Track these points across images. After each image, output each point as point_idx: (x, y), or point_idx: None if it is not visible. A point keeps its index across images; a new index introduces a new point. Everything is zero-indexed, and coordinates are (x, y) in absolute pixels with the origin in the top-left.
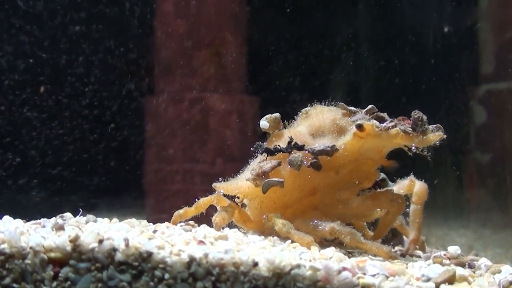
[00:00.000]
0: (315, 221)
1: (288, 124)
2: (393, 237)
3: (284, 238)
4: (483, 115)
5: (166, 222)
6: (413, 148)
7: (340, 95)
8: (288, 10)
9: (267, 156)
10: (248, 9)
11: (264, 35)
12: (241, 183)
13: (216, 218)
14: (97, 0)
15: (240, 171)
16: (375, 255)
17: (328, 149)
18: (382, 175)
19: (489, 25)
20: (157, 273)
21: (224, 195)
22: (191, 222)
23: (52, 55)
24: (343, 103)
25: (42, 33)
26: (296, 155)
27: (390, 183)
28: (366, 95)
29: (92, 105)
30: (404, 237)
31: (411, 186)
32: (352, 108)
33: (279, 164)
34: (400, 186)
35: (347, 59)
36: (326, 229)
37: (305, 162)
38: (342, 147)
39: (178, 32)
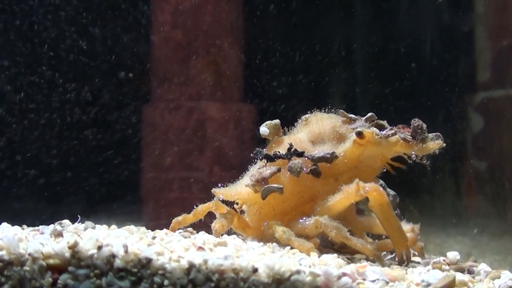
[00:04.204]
0: (304, 218)
1: (288, 130)
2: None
3: (283, 244)
4: (480, 122)
5: (164, 229)
6: (412, 156)
7: (337, 102)
8: (285, 18)
9: (267, 162)
10: (245, 17)
11: (261, 43)
12: (241, 189)
13: (215, 224)
14: (93, 8)
15: (239, 177)
16: (374, 261)
17: (328, 156)
18: (381, 182)
19: (486, 31)
20: (157, 279)
21: (223, 201)
22: (190, 229)
23: (49, 62)
24: (343, 110)
25: (38, 41)
26: (296, 161)
27: (388, 189)
28: (364, 102)
29: (89, 113)
30: None
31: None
32: (352, 115)
33: (279, 170)
34: None
35: (344, 66)
36: (312, 222)
37: (304, 169)
38: (342, 154)
39: (175, 40)
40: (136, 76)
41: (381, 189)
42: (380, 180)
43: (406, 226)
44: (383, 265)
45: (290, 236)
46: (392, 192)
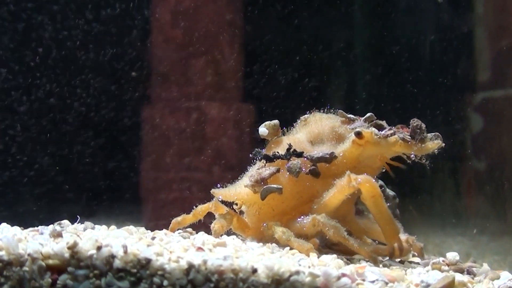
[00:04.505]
0: (301, 217)
1: (287, 131)
2: None
3: (283, 245)
4: (480, 123)
5: (164, 229)
6: (412, 156)
7: (337, 103)
8: (285, 18)
9: (266, 162)
10: (244, 17)
11: (261, 43)
12: (240, 190)
13: (215, 225)
14: (92, 8)
15: (239, 178)
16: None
17: (327, 156)
18: (380, 182)
19: (486, 32)
20: (156, 280)
21: (222, 202)
22: (189, 230)
23: (48, 63)
24: (342, 111)
25: (36, 40)
26: (295, 162)
27: (388, 190)
28: (363, 102)
29: (89, 113)
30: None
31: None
32: (351, 115)
33: (278, 170)
34: None
35: (343, 66)
36: (309, 220)
37: (303, 169)
38: (341, 154)
39: (175, 40)
40: (135, 76)
41: (373, 180)
42: (380, 180)
43: (402, 237)
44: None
45: (289, 236)
46: (391, 193)
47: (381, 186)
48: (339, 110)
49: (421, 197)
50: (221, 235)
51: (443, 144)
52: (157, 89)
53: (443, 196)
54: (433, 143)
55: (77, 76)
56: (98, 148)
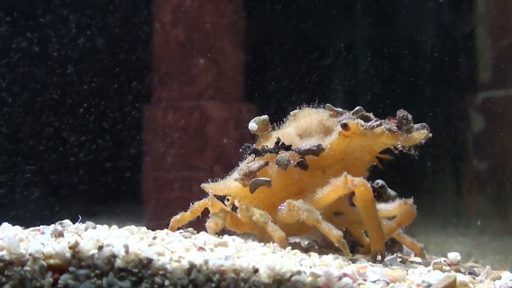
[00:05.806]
0: (281, 205)
1: (277, 126)
2: (392, 244)
3: (260, 227)
4: (481, 123)
5: (165, 229)
6: (399, 146)
7: (338, 102)
8: (286, 17)
9: (255, 156)
10: (245, 16)
11: (262, 42)
12: (229, 183)
13: (209, 223)
14: (93, 8)
15: (230, 173)
16: (374, 262)
17: (314, 148)
18: (381, 182)
19: (487, 31)
20: (157, 279)
21: (217, 197)
22: (191, 229)
23: (49, 62)
24: (329, 104)
25: (37, 40)
26: (283, 155)
27: (389, 189)
28: (364, 101)
29: (90, 113)
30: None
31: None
32: (339, 109)
33: (267, 164)
34: (390, 206)
35: (344, 66)
36: (286, 206)
37: (292, 162)
38: (328, 146)
39: (176, 40)
40: (136, 75)
41: (369, 185)
42: (381, 180)
43: (397, 202)
44: (347, 255)
45: (267, 220)
46: (393, 192)
47: (382, 186)
48: (327, 104)
49: (422, 197)
50: (222, 235)
51: (430, 134)
52: (159, 88)
53: (444, 196)
54: (420, 133)
55: (78, 75)
56: (99, 147)
